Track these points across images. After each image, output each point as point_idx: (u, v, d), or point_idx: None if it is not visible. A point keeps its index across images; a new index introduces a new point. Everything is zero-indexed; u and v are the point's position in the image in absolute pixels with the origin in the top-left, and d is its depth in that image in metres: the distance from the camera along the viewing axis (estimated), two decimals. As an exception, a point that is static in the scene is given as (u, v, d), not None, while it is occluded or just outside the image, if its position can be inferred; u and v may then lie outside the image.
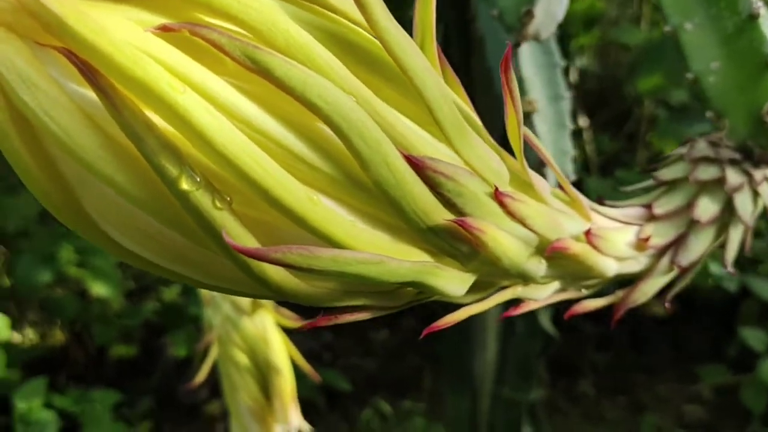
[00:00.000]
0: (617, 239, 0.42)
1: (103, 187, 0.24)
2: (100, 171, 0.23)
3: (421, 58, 0.28)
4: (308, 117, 0.25)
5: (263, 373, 0.95)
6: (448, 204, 0.30)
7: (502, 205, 0.32)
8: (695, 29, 0.49)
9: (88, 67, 0.22)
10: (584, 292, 0.45)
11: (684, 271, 0.46)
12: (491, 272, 0.35)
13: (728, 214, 0.46)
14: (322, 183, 0.26)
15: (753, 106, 0.46)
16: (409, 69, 0.27)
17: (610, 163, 2.73)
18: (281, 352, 0.95)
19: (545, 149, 0.71)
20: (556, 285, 0.41)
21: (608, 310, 0.47)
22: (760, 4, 0.46)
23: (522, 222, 0.34)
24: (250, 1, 0.24)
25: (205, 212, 0.23)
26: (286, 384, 0.94)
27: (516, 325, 1.44)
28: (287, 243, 0.26)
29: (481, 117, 0.33)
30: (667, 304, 0.47)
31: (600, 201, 0.46)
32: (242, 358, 0.95)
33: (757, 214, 0.47)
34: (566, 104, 0.71)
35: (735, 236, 0.47)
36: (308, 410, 1.00)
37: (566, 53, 0.73)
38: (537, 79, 0.70)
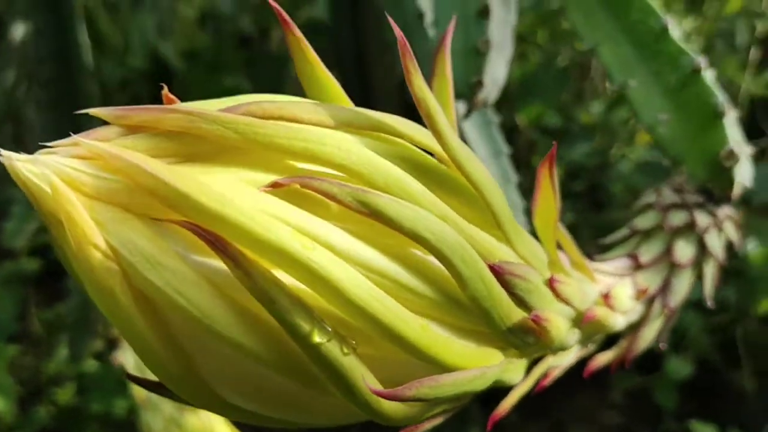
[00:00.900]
0: (622, 295, 0.45)
1: (223, 352, 0.23)
2: (229, 338, 0.22)
3: (483, 169, 0.29)
4: (405, 246, 0.26)
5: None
6: (520, 302, 0.31)
7: (553, 290, 0.34)
8: (639, 85, 0.54)
9: (217, 238, 0.21)
10: (590, 348, 0.47)
11: (673, 313, 0.49)
12: (540, 351, 0.36)
13: (701, 253, 0.50)
14: (426, 308, 0.26)
15: (708, 153, 0.51)
16: (479, 183, 0.28)
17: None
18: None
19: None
20: (577, 348, 0.43)
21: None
22: (702, 59, 0.51)
23: (566, 301, 0.35)
24: (348, 145, 0.25)
25: (335, 361, 0.23)
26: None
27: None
28: (394, 370, 0.26)
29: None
30: (662, 344, 0.50)
31: (589, 256, 0.49)
32: (191, 460, 0.90)
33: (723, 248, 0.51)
34: (506, 159, 0.75)
35: (709, 272, 0.51)
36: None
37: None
38: (478, 139, 0.73)
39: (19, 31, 1.03)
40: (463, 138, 0.73)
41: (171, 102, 0.24)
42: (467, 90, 0.61)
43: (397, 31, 0.26)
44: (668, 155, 0.53)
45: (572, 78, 2.44)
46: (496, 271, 0.28)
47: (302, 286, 0.23)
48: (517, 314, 0.30)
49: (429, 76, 0.33)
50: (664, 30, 0.52)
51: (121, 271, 0.21)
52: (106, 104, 0.23)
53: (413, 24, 0.64)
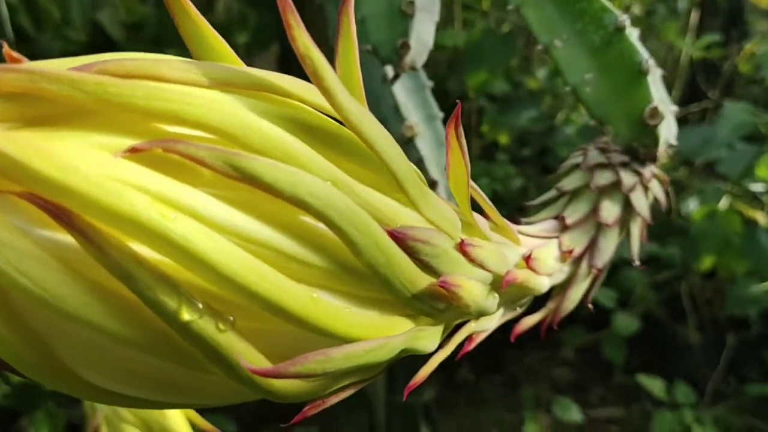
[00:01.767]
0: (546, 257, 0.44)
1: (82, 335, 0.21)
2: (85, 319, 0.20)
3: (381, 129, 0.27)
4: (290, 213, 0.24)
5: (161, 441, 0.89)
6: (426, 267, 0.29)
7: (464, 254, 0.33)
8: (564, 45, 0.53)
9: (61, 209, 0.19)
10: (519, 310, 0.46)
11: (600, 273, 0.49)
12: (456, 317, 0.35)
13: (628, 212, 0.50)
14: (316, 277, 0.25)
15: (633, 112, 0.50)
16: (375, 144, 0.27)
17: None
18: (176, 416, 0.90)
19: (431, 169, 0.72)
20: (501, 312, 0.43)
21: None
22: (625, 17, 0.50)
23: (481, 265, 0.34)
24: (220, 105, 0.22)
25: (210, 339, 0.21)
26: (188, 448, 0.88)
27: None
28: (283, 344, 0.25)
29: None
30: (589, 306, 0.50)
31: (515, 220, 0.48)
32: (135, 434, 0.88)
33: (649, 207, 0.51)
34: (440, 123, 0.73)
35: (635, 231, 0.51)
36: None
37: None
38: (410, 104, 0.71)
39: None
40: (395, 103, 0.72)
41: (15, 61, 0.22)
42: (393, 54, 0.59)
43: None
44: (594, 115, 0.52)
45: (518, 44, 2.44)
46: (397, 237, 0.27)
47: (164, 260, 0.21)
48: (423, 280, 0.29)
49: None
50: (587, -13, 0.51)
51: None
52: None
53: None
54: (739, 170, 1.92)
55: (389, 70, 0.67)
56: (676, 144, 0.53)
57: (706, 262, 2.30)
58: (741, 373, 2.64)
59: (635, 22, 0.53)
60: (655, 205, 0.53)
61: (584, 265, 0.48)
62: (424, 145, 0.69)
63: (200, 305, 0.21)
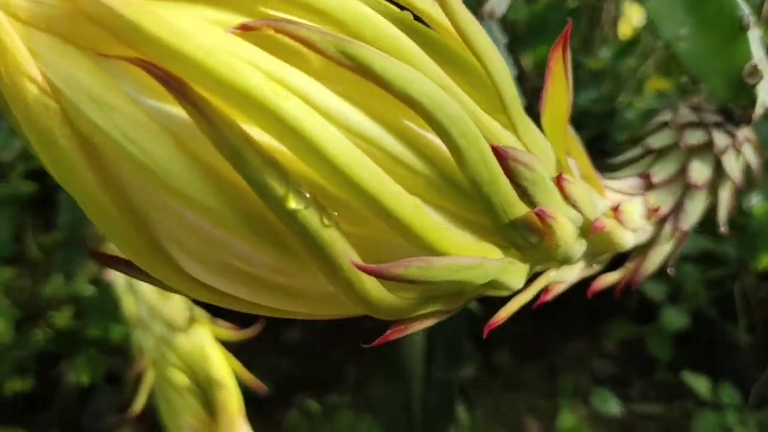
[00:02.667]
0: (632, 211, 0.42)
1: (184, 215, 0.20)
2: (190, 197, 0.19)
3: (491, 43, 0.26)
4: (397, 115, 0.23)
5: (205, 391, 0.90)
6: (523, 193, 0.28)
7: (560, 189, 0.31)
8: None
9: (174, 78, 0.18)
10: (596, 267, 0.45)
11: (684, 236, 0.46)
12: (541, 260, 0.34)
13: (717, 175, 0.47)
14: (419, 187, 0.23)
15: (730, 70, 0.47)
16: (485, 58, 0.25)
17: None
18: (222, 366, 0.91)
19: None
20: (582, 264, 0.41)
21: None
22: (730, -31, 0.47)
23: (574, 205, 0.32)
24: (333, -10, 0.21)
25: (314, 231, 0.20)
26: (231, 398, 0.89)
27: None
28: (378, 255, 0.24)
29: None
30: (670, 270, 0.48)
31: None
32: (181, 379, 0.90)
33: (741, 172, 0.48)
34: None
35: (724, 196, 0.48)
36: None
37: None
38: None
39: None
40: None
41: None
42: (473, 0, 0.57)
43: None
44: (688, 72, 0.49)
45: (581, 23, 2.37)
46: (500, 155, 0.25)
47: (276, 145, 0.20)
48: (520, 208, 0.27)
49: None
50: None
51: (60, 110, 0.18)
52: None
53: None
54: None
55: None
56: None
57: (764, 261, 2.22)
58: (790, 379, 2.55)
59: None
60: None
61: (668, 226, 0.46)
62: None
63: (307, 195, 0.20)
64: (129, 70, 0.19)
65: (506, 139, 0.27)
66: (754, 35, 0.49)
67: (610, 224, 0.38)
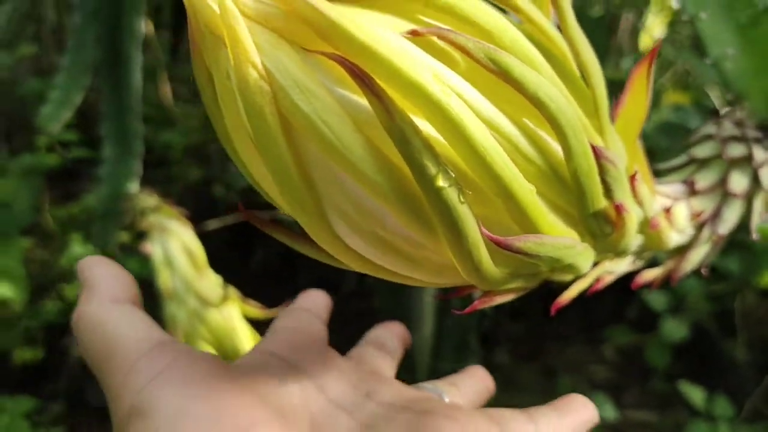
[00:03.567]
0: (680, 214, 0.46)
1: (351, 187, 0.24)
2: (363, 172, 0.23)
3: (593, 54, 0.30)
4: (520, 114, 0.27)
5: (232, 363, 0.94)
6: (606, 189, 0.32)
7: (632, 187, 0.35)
8: (710, 19, 0.54)
9: (363, 72, 0.22)
10: (637, 264, 0.49)
11: (721, 239, 0.50)
12: (605, 249, 0.38)
13: (754, 186, 0.51)
14: (532, 176, 0.28)
15: (772, 90, 0.51)
16: (588, 66, 0.29)
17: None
18: (249, 342, 0.95)
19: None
20: (630, 258, 0.45)
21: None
22: (778, -3, 0.51)
23: (640, 202, 0.37)
24: (479, 4, 0.25)
25: (453, 206, 0.24)
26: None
27: (452, 301, 1.50)
28: (492, 232, 0.28)
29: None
30: (704, 270, 0.52)
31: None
32: (210, 351, 0.93)
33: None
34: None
35: (758, 206, 0.52)
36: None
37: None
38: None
39: None
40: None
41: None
42: None
43: None
44: (732, 90, 0.53)
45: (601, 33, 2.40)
46: (596, 152, 0.29)
47: (433, 133, 0.24)
48: (603, 201, 0.32)
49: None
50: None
51: (271, 93, 0.22)
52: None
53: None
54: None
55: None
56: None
57: (765, 279, 2.26)
58: (785, 395, 2.59)
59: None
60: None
61: (706, 230, 0.50)
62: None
63: (452, 175, 0.24)
64: (325, 63, 0.23)
65: (598, 140, 0.31)
66: (795, 60, 0.53)
67: (663, 223, 0.42)
